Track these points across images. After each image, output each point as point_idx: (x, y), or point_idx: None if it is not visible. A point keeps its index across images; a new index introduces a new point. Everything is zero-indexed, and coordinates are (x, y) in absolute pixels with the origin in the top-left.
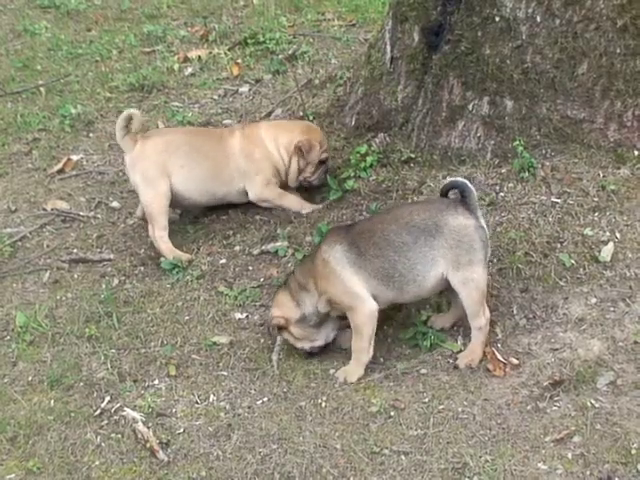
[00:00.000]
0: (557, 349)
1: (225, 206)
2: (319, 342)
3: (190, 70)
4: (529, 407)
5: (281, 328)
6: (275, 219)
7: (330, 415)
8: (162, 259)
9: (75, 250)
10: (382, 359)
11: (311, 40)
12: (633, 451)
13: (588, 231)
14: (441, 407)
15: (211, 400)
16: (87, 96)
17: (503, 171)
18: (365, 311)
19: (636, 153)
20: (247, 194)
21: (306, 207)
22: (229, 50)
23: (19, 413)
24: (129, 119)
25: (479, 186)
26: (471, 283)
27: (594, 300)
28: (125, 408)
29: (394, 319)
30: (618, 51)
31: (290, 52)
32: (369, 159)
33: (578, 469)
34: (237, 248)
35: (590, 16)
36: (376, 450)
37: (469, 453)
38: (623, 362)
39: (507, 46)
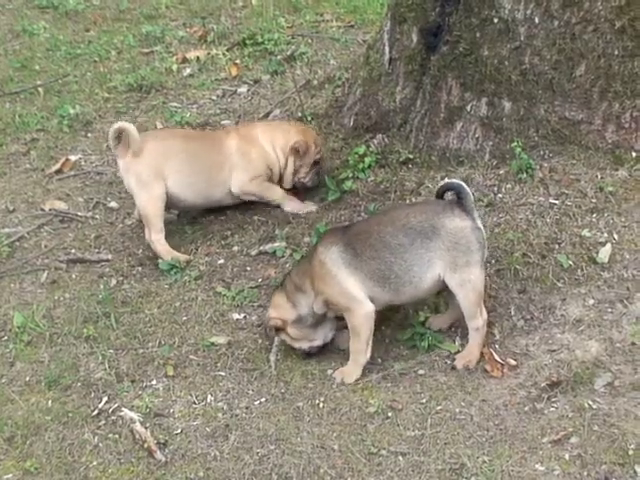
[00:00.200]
0: (555, 350)
1: (223, 207)
2: (317, 342)
3: (189, 71)
4: (527, 408)
5: (279, 329)
6: (273, 220)
7: (328, 416)
8: (160, 260)
9: (73, 250)
10: (380, 360)
11: (309, 41)
12: (630, 452)
13: (586, 232)
14: (439, 408)
15: (209, 400)
16: (85, 96)
17: (501, 172)
18: (362, 312)
19: (634, 154)
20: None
21: (291, 203)
22: (227, 51)
23: (17, 413)
24: (121, 132)
25: (477, 187)
26: (468, 284)
27: (592, 301)
28: (123, 408)
29: (392, 320)
30: (616, 53)
31: (288, 53)
32: (367, 160)
33: (575, 470)
34: (235, 249)
35: (588, 18)
36: (374, 451)
37: (466, 454)
38: (620, 363)
39: (505, 47)
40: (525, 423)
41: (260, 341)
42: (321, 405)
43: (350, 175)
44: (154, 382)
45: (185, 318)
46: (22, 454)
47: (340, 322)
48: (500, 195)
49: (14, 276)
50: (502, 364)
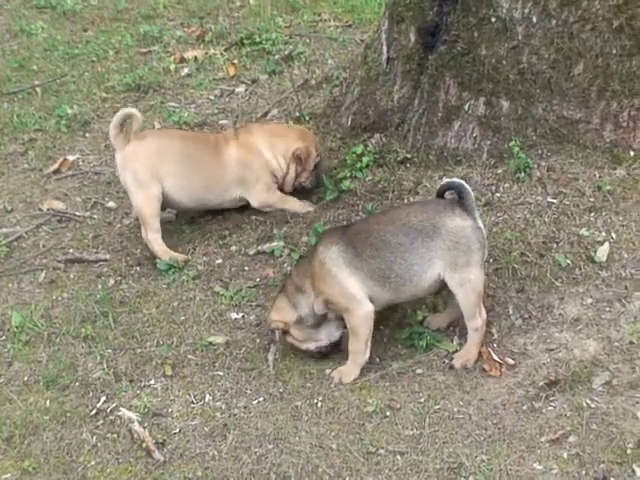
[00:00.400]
0: (553, 349)
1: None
2: (323, 342)
3: (186, 70)
4: (525, 407)
5: (285, 332)
6: (271, 219)
7: (326, 415)
8: (158, 260)
9: (71, 250)
10: (378, 359)
11: (307, 41)
12: (628, 451)
13: (584, 231)
14: (437, 407)
15: (207, 400)
16: (83, 96)
17: (499, 171)
18: (361, 313)
19: (632, 153)
20: (242, 201)
21: (305, 207)
22: (225, 50)
23: (15, 413)
24: (126, 118)
25: (475, 186)
26: (468, 284)
27: (590, 300)
28: (121, 408)
29: (390, 319)
30: (614, 52)
31: (286, 52)
32: (365, 159)
33: (574, 469)
34: (233, 248)
35: (586, 17)
36: (372, 450)
37: (465, 453)
38: (619, 362)
39: (503, 46)
40: (523, 422)
41: (258, 341)
42: (319, 404)
43: (348, 174)
44: (152, 382)
45: (183, 318)
46: (20, 454)
47: (340, 322)
48: (498, 194)
49: (12, 276)
50: (500, 363)
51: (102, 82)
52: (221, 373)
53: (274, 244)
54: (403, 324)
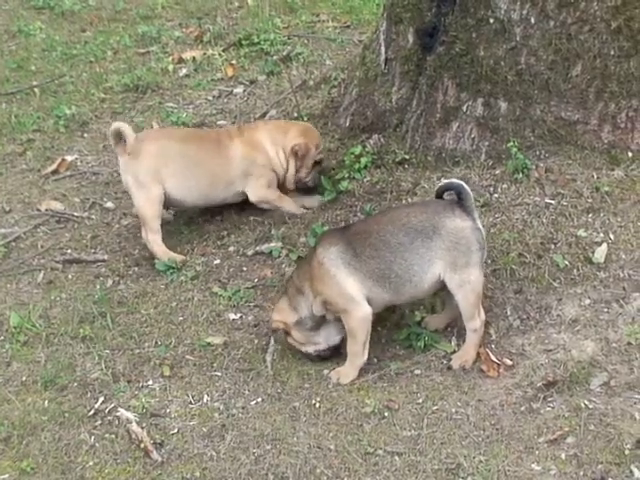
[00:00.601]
0: (551, 350)
1: (219, 207)
2: (321, 345)
3: (184, 71)
4: (523, 408)
5: (287, 333)
6: (269, 220)
7: (324, 416)
8: (156, 260)
9: (69, 250)
10: (376, 360)
11: (305, 41)
12: (626, 451)
13: (582, 232)
14: (435, 408)
15: (205, 400)
16: (81, 97)
17: (497, 172)
18: (359, 314)
19: (630, 154)
20: (243, 195)
21: (300, 209)
22: (223, 51)
23: (13, 413)
24: (118, 132)
25: (473, 187)
26: (467, 285)
27: (588, 301)
28: (119, 408)
29: (388, 320)
30: (612, 53)
31: (284, 53)
32: (363, 160)
33: (572, 469)
34: (231, 249)
35: (584, 18)
36: (370, 451)
37: (463, 454)
38: (616, 363)
39: (501, 47)
40: (521, 423)
41: (256, 341)
42: (317, 405)
43: (346, 175)
44: (150, 382)
45: (181, 318)
46: (18, 454)
47: (340, 326)
48: (496, 195)
49: (10, 276)
50: (498, 364)
51: (100, 82)
52: (219, 374)
53: (272, 245)
54: (401, 325)
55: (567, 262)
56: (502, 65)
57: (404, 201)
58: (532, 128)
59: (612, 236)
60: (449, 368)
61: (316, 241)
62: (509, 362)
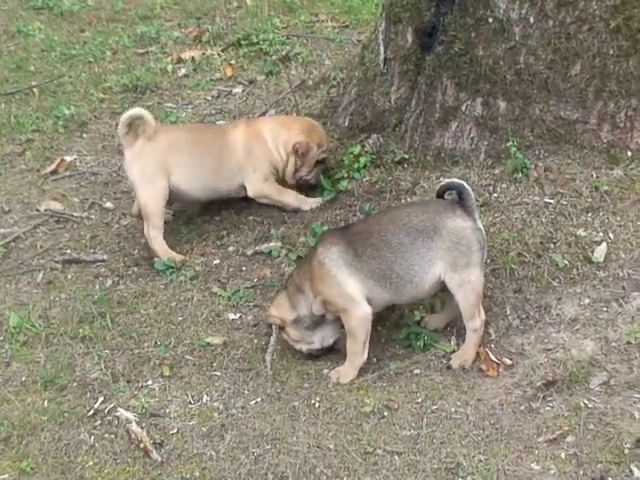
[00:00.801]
0: (550, 349)
1: (219, 207)
2: (315, 345)
3: (183, 71)
4: (522, 407)
5: (282, 328)
6: (269, 220)
7: (323, 415)
8: (156, 260)
9: (69, 251)
10: (375, 359)
11: (304, 41)
12: (626, 451)
13: (581, 232)
14: (434, 407)
15: (204, 400)
16: (80, 97)
17: (496, 172)
18: (359, 314)
19: (629, 154)
20: (244, 189)
21: (306, 203)
22: (222, 51)
23: (13, 413)
24: (136, 119)
25: (472, 187)
26: (468, 285)
27: (587, 300)
28: (119, 408)
29: (388, 319)
30: (611, 52)
31: (283, 53)
32: (362, 160)
33: (571, 469)
34: (231, 249)
35: (583, 17)
36: (369, 450)
37: (462, 453)
38: (616, 362)
39: (500, 47)
40: (521, 422)
41: (256, 341)
42: (317, 405)
43: (345, 175)
44: (150, 382)
45: (181, 318)
46: (18, 454)
47: (336, 328)
48: (495, 195)
49: (10, 276)
50: (498, 363)
51: (99, 83)
52: (219, 373)
53: (272, 244)
54: (401, 324)
55: (566, 261)
56: (501, 65)
57: (403, 201)
58: (531, 127)
59: (611, 235)
60: (448, 368)
61: (317, 241)
62: (508, 361)
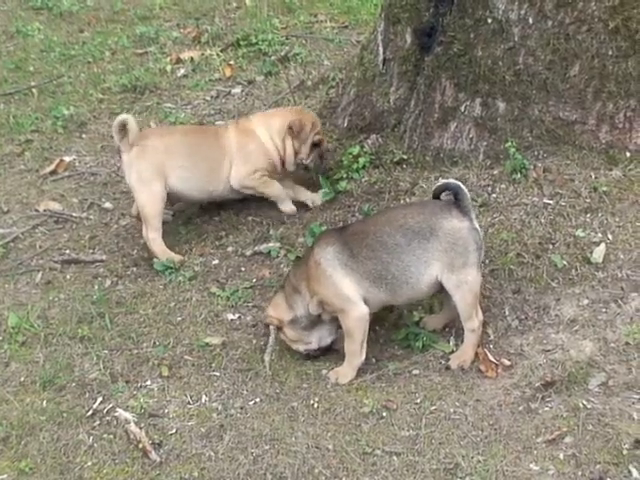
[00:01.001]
0: (549, 350)
1: (217, 207)
2: (312, 345)
3: (182, 71)
4: (521, 408)
5: (279, 328)
6: (267, 220)
7: (322, 416)
8: (155, 260)
9: (67, 251)
10: (374, 360)
11: (303, 42)
12: (625, 451)
13: (580, 232)
14: (433, 408)
15: (203, 401)
16: (80, 97)
17: (495, 172)
18: (355, 314)
19: (628, 154)
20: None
21: (286, 204)
22: (221, 51)
23: (11, 413)
24: (123, 125)
25: (471, 187)
26: (465, 286)
27: (586, 301)
28: (117, 409)
29: (386, 320)
30: (610, 53)
31: (282, 53)
32: (361, 160)
33: (570, 470)
34: (229, 249)
35: (582, 18)
36: (368, 451)
37: (461, 454)
38: (615, 363)
39: (499, 48)
40: (519, 423)
41: (255, 341)
42: (316, 405)
43: (344, 175)
44: (149, 382)
45: (179, 318)
46: (17, 454)
47: (333, 328)
48: (494, 195)
49: (9, 277)
50: (496, 364)
51: (98, 83)
52: (217, 374)
53: (270, 245)
54: (399, 325)
55: (565, 262)
56: (500, 65)
57: (402, 201)
58: (530, 128)
59: (610, 236)
60: (447, 368)
61: (314, 241)
62: (507, 362)
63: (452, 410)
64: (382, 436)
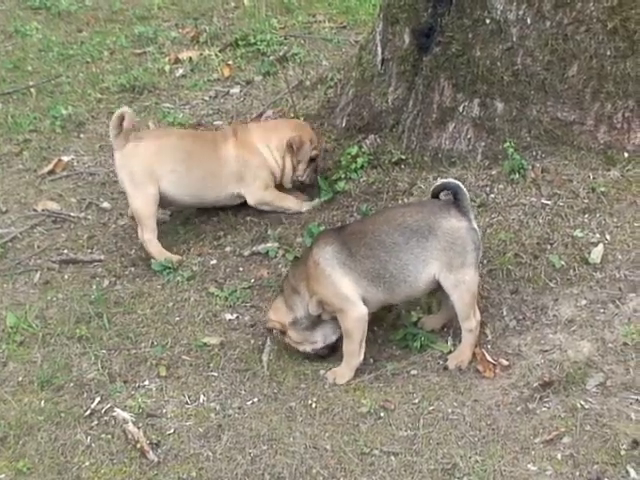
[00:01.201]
0: (547, 350)
1: (216, 207)
2: (319, 344)
3: (181, 71)
4: (519, 408)
5: (283, 332)
6: (265, 220)
7: (320, 416)
8: (153, 260)
9: (66, 251)
10: (372, 360)
11: (302, 42)
12: (622, 452)
13: (578, 233)
14: (431, 408)
15: (201, 401)
16: (78, 97)
17: (493, 173)
18: (354, 315)
19: (626, 155)
20: (238, 198)
21: (305, 205)
22: (220, 51)
23: (9, 413)
24: (122, 117)
25: (469, 187)
26: (463, 285)
27: (584, 302)
28: (115, 409)
29: (384, 320)
30: (608, 53)
31: (281, 54)
32: (360, 160)
33: (568, 470)
34: (228, 249)
35: (580, 18)
36: (366, 451)
37: (459, 454)
38: (612, 363)
39: (497, 48)
40: (517, 423)
41: (253, 341)
42: (314, 405)
43: (342, 176)
44: (147, 382)
45: (178, 318)
46: (15, 454)
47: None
48: (492, 195)
49: (7, 276)
50: (494, 364)
51: (97, 83)
52: (215, 374)
53: (268, 245)
54: (397, 325)
55: (563, 262)
56: (498, 65)
57: (400, 201)
58: (528, 128)
59: (608, 236)
60: (445, 368)
61: (312, 241)
62: (505, 362)
63: (450, 410)
64: (380, 436)
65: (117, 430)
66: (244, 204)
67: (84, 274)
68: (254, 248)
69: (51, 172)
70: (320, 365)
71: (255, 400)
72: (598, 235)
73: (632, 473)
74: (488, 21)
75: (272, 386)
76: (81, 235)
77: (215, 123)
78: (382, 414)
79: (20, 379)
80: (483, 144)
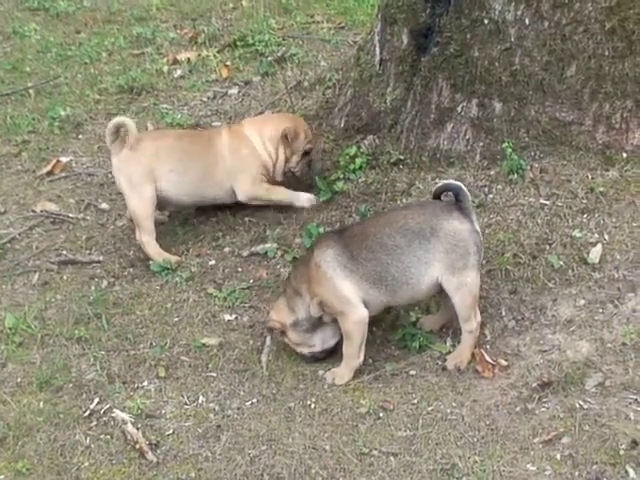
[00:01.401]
0: (546, 351)
1: (214, 208)
2: (317, 348)
3: (179, 72)
4: (518, 408)
5: (283, 332)
6: (264, 221)
7: (319, 416)
8: (151, 261)
9: (64, 252)
10: (371, 360)
11: (300, 42)
12: (621, 452)
13: (577, 233)
14: (430, 408)
15: (200, 401)
16: (76, 98)
17: (492, 173)
18: (355, 317)
19: (624, 155)
20: (234, 194)
21: (298, 198)
22: (218, 52)
23: (8, 414)
24: (120, 127)
25: (468, 188)
26: (464, 287)
27: (583, 302)
28: (114, 409)
29: (383, 321)
30: (606, 53)
31: (279, 54)
32: (358, 161)
33: (567, 470)
34: (226, 250)
35: (578, 19)
36: (365, 451)
37: (458, 454)
38: (611, 363)
39: (496, 48)
40: (516, 423)
41: (251, 342)
42: (313, 406)
43: (341, 176)
44: (146, 383)
45: (176, 319)
46: (14, 455)
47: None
48: (491, 196)
49: (6, 277)
50: (493, 365)
51: (95, 84)
52: (214, 374)
53: (267, 245)
54: (396, 325)
55: (562, 263)
56: (496, 66)
57: (399, 202)
58: (527, 129)
59: (607, 237)
60: (444, 369)
61: (313, 243)
62: (504, 363)
63: (449, 410)
64: (379, 437)
65: (116, 431)
66: (243, 204)
67: (83, 275)
68: (253, 249)
69: (50, 173)
70: (319, 366)
71: (254, 401)
72: (597, 235)
73: (631, 473)
74: (486, 21)
75: (271, 387)
76: (80, 236)
77: (213, 124)
78: (381, 414)
79: (19, 380)
80: (481, 144)
